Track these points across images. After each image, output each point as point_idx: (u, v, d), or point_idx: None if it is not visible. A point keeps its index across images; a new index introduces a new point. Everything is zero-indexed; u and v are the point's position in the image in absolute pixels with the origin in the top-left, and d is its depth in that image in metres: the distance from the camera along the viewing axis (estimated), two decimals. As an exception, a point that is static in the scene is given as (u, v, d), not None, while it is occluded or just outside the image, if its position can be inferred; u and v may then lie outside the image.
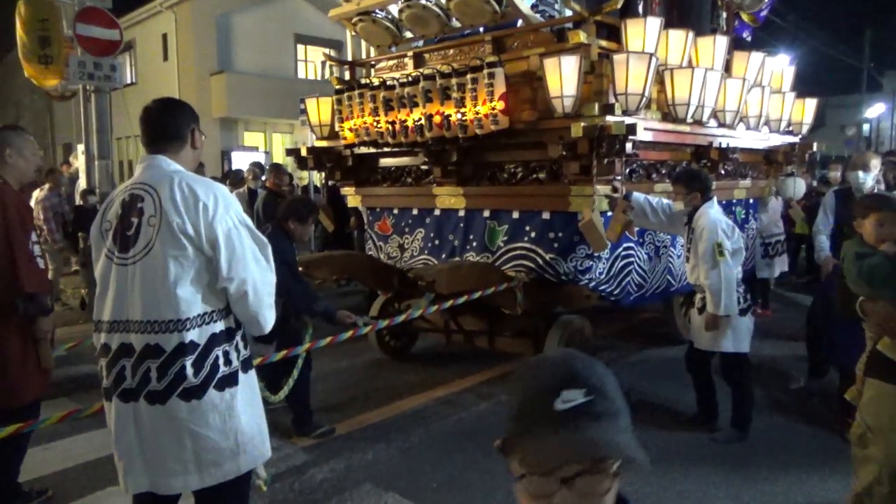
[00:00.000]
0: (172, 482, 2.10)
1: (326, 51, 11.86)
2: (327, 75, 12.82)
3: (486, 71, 4.58)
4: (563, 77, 4.30)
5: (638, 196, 4.45)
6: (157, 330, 2.07)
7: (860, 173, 4.59)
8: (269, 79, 18.42)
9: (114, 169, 9.52)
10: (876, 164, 4.66)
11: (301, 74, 20.15)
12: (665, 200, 4.54)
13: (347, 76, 6.17)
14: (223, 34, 18.44)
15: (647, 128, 4.66)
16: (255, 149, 18.97)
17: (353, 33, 5.92)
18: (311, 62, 20.11)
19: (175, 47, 18.84)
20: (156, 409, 2.07)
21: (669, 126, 4.93)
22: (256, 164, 8.71)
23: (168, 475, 2.09)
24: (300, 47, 20.11)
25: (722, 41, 5.27)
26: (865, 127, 35.31)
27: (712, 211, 4.09)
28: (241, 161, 16.30)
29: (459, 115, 4.76)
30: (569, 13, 4.79)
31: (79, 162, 10.11)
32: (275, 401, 4.04)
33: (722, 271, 3.91)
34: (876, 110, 34.44)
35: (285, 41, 19.65)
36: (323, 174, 6.49)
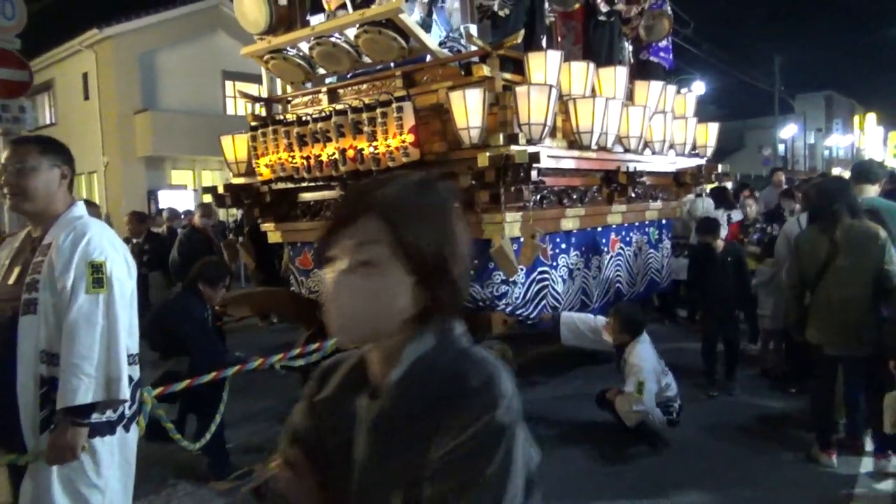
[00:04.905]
0: None
1: (244, 88, 11.81)
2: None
3: (394, 105, 4.67)
4: (468, 109, 4.43)
5: (569, 316, 5.09)
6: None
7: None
8: (196, 116, 18.18)
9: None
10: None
11: (230, 111, 19.96)
12: (591, 320, 5.09)
13: (264, 112, 6.18)
14: (147, 72, 18.15)
15: (553, 155, 4.83)
16: (184, 187, 18.63)
17: (267, 70, 5.94)
18: (241, 98, 19.99)
19: (96, 86, 18.45)
20: None
21: (575, 153, 5.13)
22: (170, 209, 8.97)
23: None
24: (228, 83, 19.94)
25: (622, 71, 5.54)
26: (781, 147, 37.35)
27: (643, 346, 4.61)
28: (168, 200, 15.97)
29: (372, 149, 4.82)
30: (474, 48, 4.95)
31: (-10, 207, 9.71)
32: (194, 449, 3.95)
33: (644, 402, 4.39)
34: (789, 131, 36.55)
35: (213, 78, 19.48)
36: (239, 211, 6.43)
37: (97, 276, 2.14)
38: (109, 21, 17.77)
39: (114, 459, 2.25)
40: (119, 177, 18.09)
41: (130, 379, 2.35)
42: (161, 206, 14.67)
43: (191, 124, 17.83)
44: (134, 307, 2.35)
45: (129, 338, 2.29)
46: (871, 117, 36.75)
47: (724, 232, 6.45)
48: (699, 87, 24.35)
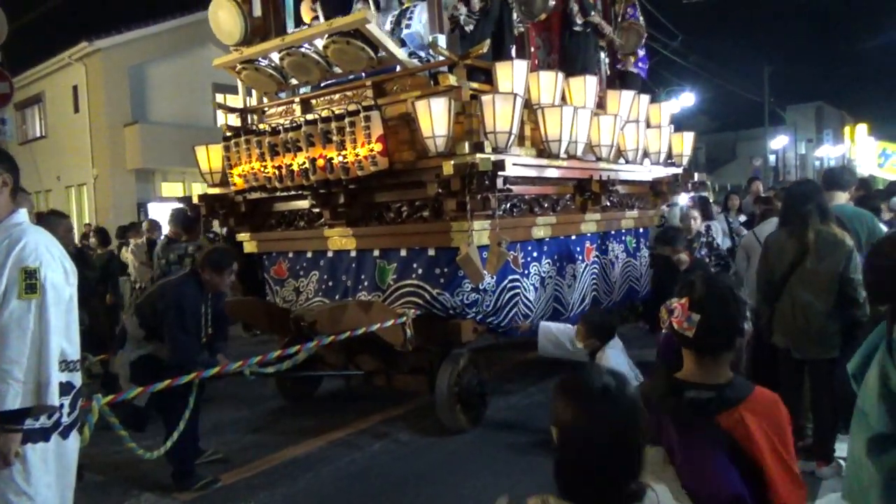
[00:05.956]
0: None
1: (234, 101, 11.83)
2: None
3: (362, 114, 4.70)
4: (433, 118, 4.47)
5: (547, 326, 4.98)
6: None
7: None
8: (187, 128, 18.16)
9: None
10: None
11: (221, 123, 19.99)
12: (570, 330, 4.96)
13: (240, 122, 6.23)
14: (137, 85, 18.19)
15: (520, 163, 4.85)
16: (174, 199, 18.61)
17: (240, 81, 5.98)
18: (219, 110, 20.01)
19: (86, 99, 18.46)
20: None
21: (544, 161, 5.15)
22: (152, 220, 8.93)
23: None
24: (219, 96, 19.98)
25: (592, 80, 5.57)
26: (772, 158, 37.54)
27: (613, 352, 4.54)
28: (158, 213, 15.94)
29: (341, 158, 4.85)
30: (442, 58, 4.99)
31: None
32: (150, 458, 3.92)
33: None
34: (780, 142, 36.73)
35: (203, 90, 19.49)
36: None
37: (30, 281, 2.16)
38: (99, 34, 17.82)
39: (48, 467, 2.23)
40: (109, 189, 18.09)
41: (70, 385, 2.35)
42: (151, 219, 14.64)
43: (181, 137, 17.81)
44: (73, 312, 2.35)
45: (66, 343, 2.29)
46: (862, 128, 36.94)
47: None
48: (689, 98, 24.51)
